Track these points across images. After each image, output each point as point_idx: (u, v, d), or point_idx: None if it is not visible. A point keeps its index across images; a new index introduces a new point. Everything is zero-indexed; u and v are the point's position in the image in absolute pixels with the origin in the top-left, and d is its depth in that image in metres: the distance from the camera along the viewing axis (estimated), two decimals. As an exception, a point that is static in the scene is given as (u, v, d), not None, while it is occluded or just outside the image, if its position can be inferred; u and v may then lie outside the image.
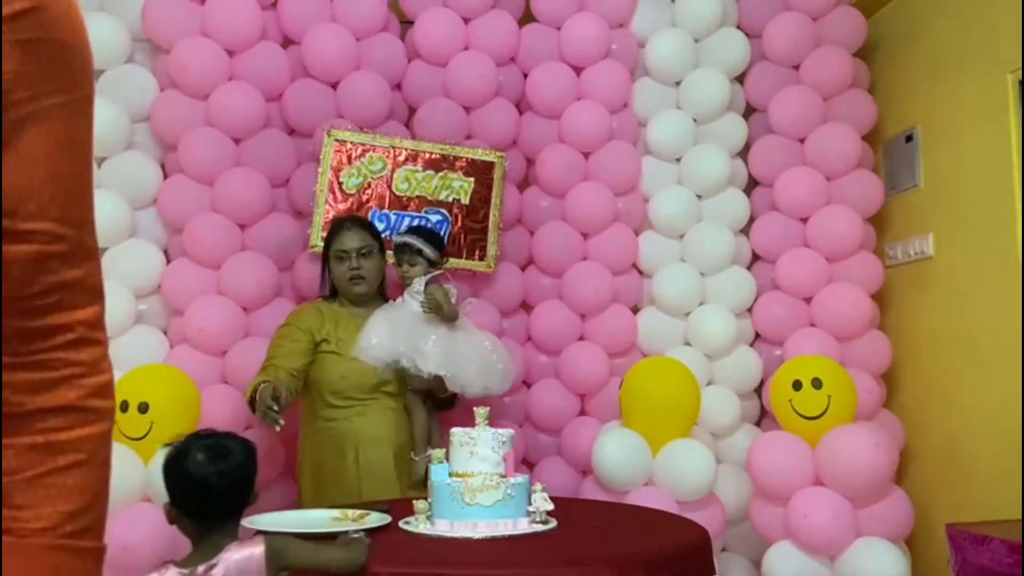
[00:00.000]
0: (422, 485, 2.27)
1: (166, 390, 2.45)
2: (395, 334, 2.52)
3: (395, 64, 3.11)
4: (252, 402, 2.31)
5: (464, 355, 2.54)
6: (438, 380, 2.53)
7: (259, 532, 1.78)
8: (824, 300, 3.06)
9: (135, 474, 2.34)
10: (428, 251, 2.63)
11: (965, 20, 2.88)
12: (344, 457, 2.47)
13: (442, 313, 2.54)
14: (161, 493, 1.54)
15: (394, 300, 2.67)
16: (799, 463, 2.53)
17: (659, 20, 3.29)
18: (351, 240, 2.59)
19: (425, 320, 2.55)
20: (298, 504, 2.57)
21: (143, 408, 2.37)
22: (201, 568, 1.46)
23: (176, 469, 1.49)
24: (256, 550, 1.47)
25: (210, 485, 1.46)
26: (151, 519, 2.23)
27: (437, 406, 2.68)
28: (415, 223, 2.90)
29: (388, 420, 2.52)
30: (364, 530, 1.80)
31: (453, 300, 2.61)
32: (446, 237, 2.95)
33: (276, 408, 2.15)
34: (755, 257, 3.28)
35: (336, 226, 2.66)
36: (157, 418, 2.37)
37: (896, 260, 3.20)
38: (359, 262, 2.59)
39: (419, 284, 2.59)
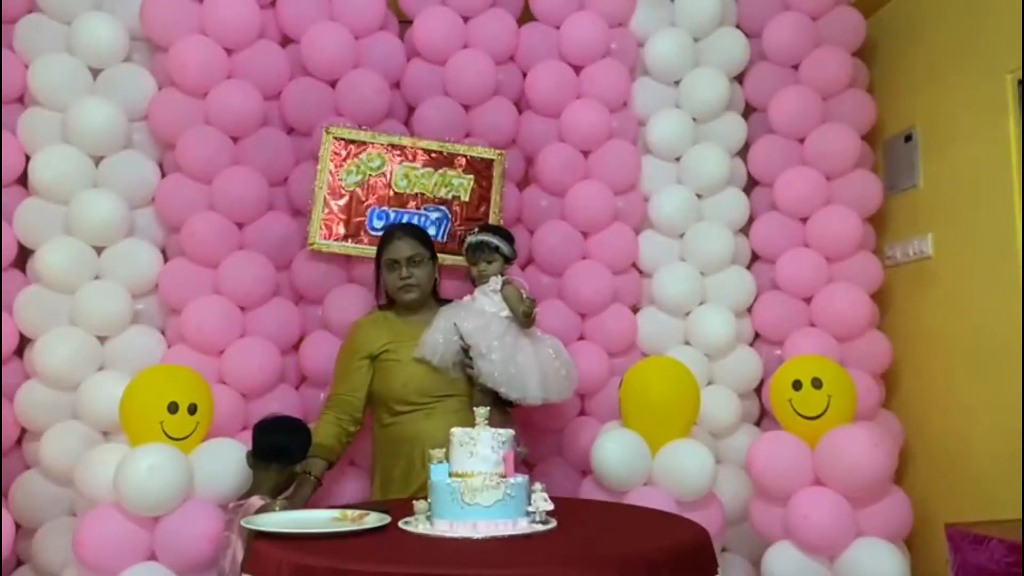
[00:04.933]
0: None
1: (206, 393, 2.44)
2: (459, 333, 2.49)
3: (394, 62, 3.10)
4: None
5: (525, 362, 2.48)
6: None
7: (259, 532, 1.79)
8: (824, 300, 3.06)
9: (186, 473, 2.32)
10: (504, 248, 2.61)
11: (965, 20, 2.88)
12: (411, 457, 2.48)
13: (518, 314, 2.51)
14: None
15: (461, 299, 2.65)
16: (799, 463, 2.53)
17: (658, 19, 3.28)
18: (402, 249, 2.58)
19: (493, 320, 2.51)
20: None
21: (192, 409, 2.37)
22: (244, 502, 2.26)
23: (260, 429, 2.41)
24: (253, 509, 2.18)
25: (266, 448, 2.36)
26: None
27: (510, 402, 2.58)
28: (413, 220, 2.91)
29: (453, 421, 2.44)
30: (364, 530, 1.80)
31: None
32: (446, 234, 2.95)
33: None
34: (755, 257, 3.28)
35: (387, 235, 2.66)
36: (203, 419, 2.39)
37: (896, 260, 3.20)
38: (410, 271, 2.58)
39: (495, 283, 2.57)
